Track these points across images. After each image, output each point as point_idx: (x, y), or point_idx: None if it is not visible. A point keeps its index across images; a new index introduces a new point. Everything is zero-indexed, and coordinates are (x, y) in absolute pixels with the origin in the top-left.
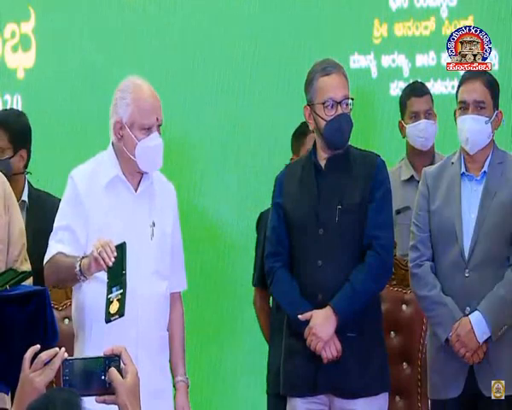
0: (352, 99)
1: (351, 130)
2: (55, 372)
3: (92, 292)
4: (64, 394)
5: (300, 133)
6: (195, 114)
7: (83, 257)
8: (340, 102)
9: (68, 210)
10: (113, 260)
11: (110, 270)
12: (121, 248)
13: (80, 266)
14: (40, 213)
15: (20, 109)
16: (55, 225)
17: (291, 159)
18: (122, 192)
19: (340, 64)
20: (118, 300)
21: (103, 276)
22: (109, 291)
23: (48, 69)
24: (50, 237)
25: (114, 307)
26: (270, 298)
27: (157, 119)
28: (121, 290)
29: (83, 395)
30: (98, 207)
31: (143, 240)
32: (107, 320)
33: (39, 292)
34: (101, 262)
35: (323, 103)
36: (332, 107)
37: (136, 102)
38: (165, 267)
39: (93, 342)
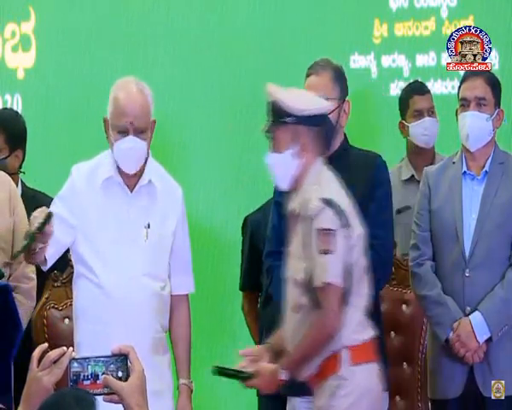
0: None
1: None
2: (63, 371)
3: (82, 293)
4: (77, 392)
5: None
6: (193, 116)
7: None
8: None
9: (59, 203)
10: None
11: None
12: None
13: None
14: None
15: (15, 110)
16: None
17: None
18: (116, 192)
19: (332, 63)
20: None
21: (93, 276)
22: None
23: (48, 69)
24: None
25: None
26: (258, 301)
27: (131, 122)
28: None
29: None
30: (93, 206)
31: (136, 241)
32: None
33: (1, 288)
34: None
35: None
36: None
37: (113, 102)
38: (161, 269)
39: (82, 343)
